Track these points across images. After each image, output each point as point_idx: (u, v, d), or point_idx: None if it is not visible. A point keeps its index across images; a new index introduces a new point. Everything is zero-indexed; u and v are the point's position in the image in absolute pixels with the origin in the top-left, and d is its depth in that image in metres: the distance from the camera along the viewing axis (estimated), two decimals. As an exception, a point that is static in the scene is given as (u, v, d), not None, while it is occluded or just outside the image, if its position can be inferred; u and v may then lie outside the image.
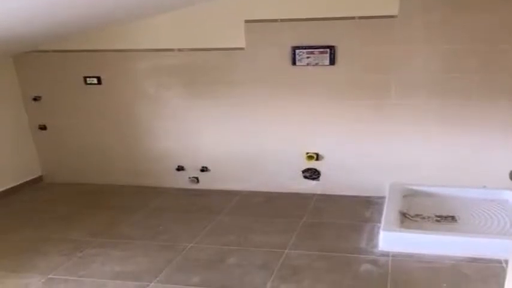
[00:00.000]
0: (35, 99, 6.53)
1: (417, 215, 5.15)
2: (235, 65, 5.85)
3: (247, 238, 4.94)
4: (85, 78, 6.30)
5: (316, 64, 5.59)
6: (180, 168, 6.42)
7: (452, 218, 5.06)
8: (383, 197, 5.56)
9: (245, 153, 6.15)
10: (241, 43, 5.75)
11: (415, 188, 5.67)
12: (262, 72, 5.80)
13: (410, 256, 4.40)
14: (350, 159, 5.88)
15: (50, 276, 4.29)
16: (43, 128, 6.67)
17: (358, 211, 5.52)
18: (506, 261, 4.04)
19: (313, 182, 6.07)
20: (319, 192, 6.07)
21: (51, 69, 6.37)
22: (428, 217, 5.11)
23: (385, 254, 4.47)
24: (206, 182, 6.40)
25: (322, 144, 5.92)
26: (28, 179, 6.72)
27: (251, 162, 6.17)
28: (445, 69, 5.35)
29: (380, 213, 5.28)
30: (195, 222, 5.35)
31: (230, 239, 4.94)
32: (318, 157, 5.94)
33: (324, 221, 5.31)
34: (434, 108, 5.48)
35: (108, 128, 6.48)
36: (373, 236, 4.85)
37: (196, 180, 6.41)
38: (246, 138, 6.09)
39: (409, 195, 5.60)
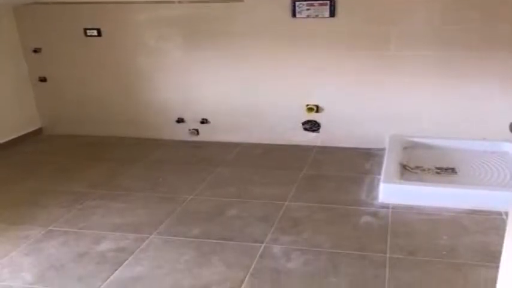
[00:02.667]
0: (35, 51, 6.47)
1: (417, 167, 5.15)
2: (234, 17, 5.78)
3: (247, 190, 4.95)
4: (85, 30, 6.23)
5: (316, 16, 5.53)
6: (180, 120, 6.39)
7: (453, 170, 5.07)
8: (383, 149, 5.56)
9: (245, 105, 6.12)
10: (241, -6, 5.68)
11: (415, 139, 5.66)
12: (262, 25, 5.73)
13: (410, 208, 4.41)
14: (350, 111, 5.85)
15: (50, 228, 4.30)
16: (43, 80, 6.62)
17: (358, 163, 5.52)
18: (507, 213, 4.05)
19: (313, 134, 6.06)
20: (319, 144, 6.07)
21: (52, 21, 6.29)
22: (429, 169, 5.11)
23: (385, 206, 4.48)
24: (206, 134, 6.38)
25: (322, 96, 5.88)
26: (28, 131, 6.70)
27: (251, 114, 6.14)
28: (445, 21, 5.28)
29: (380, 165, 5.28)
30: (195, 174, 5.35)
31: (230, 191, 4.95)
32: (318, 109, 5.92)
33: (324, 173, 5.32)
34: (435, 60, 5.43)
35: (108, 80, 6.43)
36: (373, 188, 4.85)
37: (196, 132, 6.39)
38: (246, 90, 6.05)
39: (409, 147, 5.59)
